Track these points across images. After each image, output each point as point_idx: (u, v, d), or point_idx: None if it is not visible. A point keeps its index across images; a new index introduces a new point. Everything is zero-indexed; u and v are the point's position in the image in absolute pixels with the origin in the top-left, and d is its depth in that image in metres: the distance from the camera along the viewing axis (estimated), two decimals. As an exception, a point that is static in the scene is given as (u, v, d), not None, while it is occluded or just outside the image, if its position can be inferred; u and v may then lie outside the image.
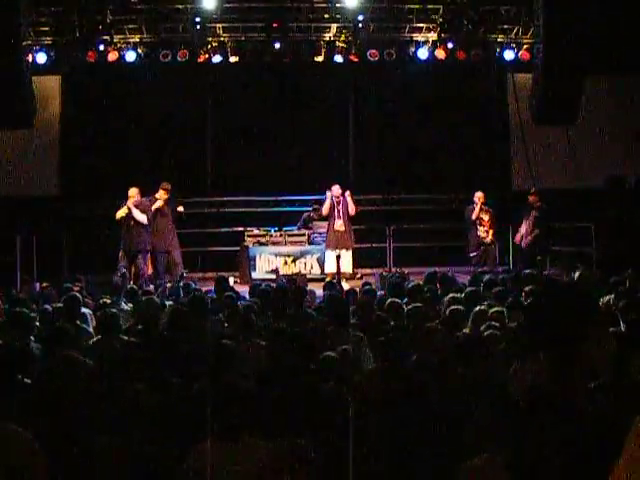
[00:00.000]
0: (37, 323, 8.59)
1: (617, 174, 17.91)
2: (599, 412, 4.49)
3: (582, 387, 4.47)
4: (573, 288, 5.44)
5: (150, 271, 15.95)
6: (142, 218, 15.39)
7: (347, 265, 16.41)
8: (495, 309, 8.64)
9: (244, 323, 8.13)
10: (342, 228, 16.38)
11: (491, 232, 16.77)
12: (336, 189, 16.55)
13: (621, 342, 6.28)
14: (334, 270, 16.26)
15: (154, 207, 15.78)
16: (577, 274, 11.83)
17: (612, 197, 17.50)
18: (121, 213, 15.35)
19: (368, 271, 17.50)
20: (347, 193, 16.57)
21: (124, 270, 14.71)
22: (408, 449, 5.04)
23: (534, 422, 3.72)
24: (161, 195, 15.87)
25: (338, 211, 16.33)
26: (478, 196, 16.81)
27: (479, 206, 16.71)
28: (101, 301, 10.28)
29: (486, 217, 16.72)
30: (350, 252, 16.48)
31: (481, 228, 16.74)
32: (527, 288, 9.76)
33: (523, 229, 16.88)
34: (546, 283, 10.56)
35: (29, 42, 17.07)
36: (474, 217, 16.74)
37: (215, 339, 7.07)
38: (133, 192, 15.56)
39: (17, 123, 16.67)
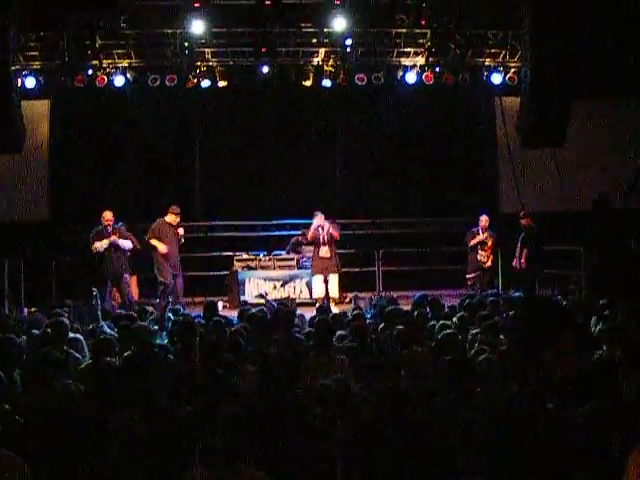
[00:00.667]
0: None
1: (603, 193, 18.00)
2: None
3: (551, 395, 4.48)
4: (549, 301, 5.45)
5: (136, 294, 15.94)
6: (129, 245, 15.33)
7: (333, 290, 16.33)
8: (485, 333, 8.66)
9: (232, 348, 8.12)
10: (327, 255, 16.23)
11: (491, 258, 16.80)
12: (318, 218, 16.29)
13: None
14: (322, 295, 16.21)
15: (181, 236, 15.70)
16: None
17: (599, 217, 17.56)
18: (102, 245, 15.21)
19: (357, 294, 17.46)
20: (327, 226, 16.28)
21: (95, 293, 14.59)
22: (398, 474, 5.03)
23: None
24: (173, 219, 15.65)
25: (323, 237, 16.23)
26: (482, 220, 16.81)
27: (481, 232, 16.76)
28: (90, 326, 10.25)
29: (489, 242, 16.74)
30: (336, 276, 16.39)
31: (482, 252, 16.75)
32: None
33: (517, 252, 16.88)
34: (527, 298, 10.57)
35: (18, 67, 17.10)
36: (473, 243, 16.79)
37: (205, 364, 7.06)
38: (109, 215, 15.40)
39: (6, 148, 16.62)
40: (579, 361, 5.07)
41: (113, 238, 15.13)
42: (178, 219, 15.63)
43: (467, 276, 16.92)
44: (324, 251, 16.20)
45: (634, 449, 2.53)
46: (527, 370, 4.28)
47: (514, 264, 16.82)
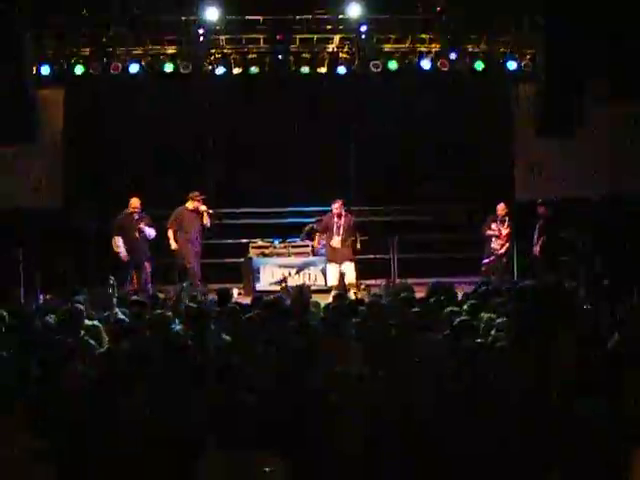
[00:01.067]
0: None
1: (613, 191, 17.99)
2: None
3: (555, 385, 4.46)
4: (555, 289, 5.43)
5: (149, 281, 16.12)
6: (153, 234, 15.70)
7: (350, 276, 16.30)
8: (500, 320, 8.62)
9: (246, 335, 8.11)
10: (338, 245, 16.18)
11: (506, 246, 16.77)
12: (336, 206, 16.29)
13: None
14: (336, 282, 16.17)
15: (206, 222, 16.18)
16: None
17: (610, 213, 17.56)
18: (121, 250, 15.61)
19: (372, 282, 17.44)
20: (344, 216, 16.31)
21: (112, 281, 14.71)
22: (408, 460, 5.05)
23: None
24: (194, 206, 16.06)
25: (338, 227, 16.18)
26: (499, 209, 16.78)
27: (498, 222, 16.75)
28: (106, 313, 10.26)
29: (505, 231, 16.73)
30: (352, 264, 16.35)
31: (497, 240, 16.76)
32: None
33: (535, 240, 16.86)
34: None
35: (32, 55, 17.12)
36: (488, 234, 16.81)
37: (219, 351, 7.06)
38: (136, 202, 15.70)
39: (21, 137, 16.67)
40: (582, 355, 5.06)
41: (141, 225, 15.42)
42: (199, 204, 15.99)
43: (482, 262, 16.92)
44: (336, 241, 16.15)
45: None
46: (532, 360, 4.27)
47: (534, 252, 16.82)
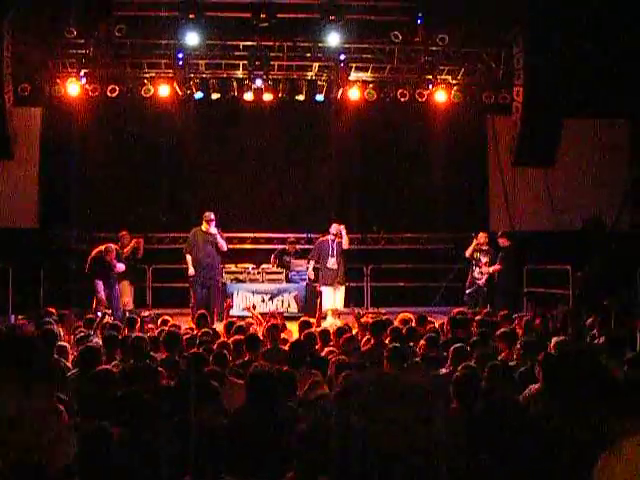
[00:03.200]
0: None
1: (594, 214, 18.09)
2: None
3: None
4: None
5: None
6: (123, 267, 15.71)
7: (339, 302, 16.32)
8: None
9: (219, 360, 8.10)
10: (335, 266, 16.29)
11: (486, 275, 16.75)
12: (334, 227, 16.40)
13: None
14: (332, 306, 16.19)
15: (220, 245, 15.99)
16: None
17: (589, 238, 17.64)
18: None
19: (345, 310, 17.44)
20: (342, 227, 16.43)
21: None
22: None
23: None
24: (206, 227, 15.87)
25: (333, 249, 16.25)
26: (478, 236, 16.84)
27: (472, 246, 16.76)
28: (79, 335, 10.22)
29: (484, 259, 16.74)
30: (342, 288, 16.38)
31: (477, 269, 16.80)
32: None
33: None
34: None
35: (10, 73, 17.10)
36: (467, 255, 16.86)
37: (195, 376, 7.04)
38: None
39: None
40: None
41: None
42: (209, 226, 15.78)
43: (465, 291, 16.97)
44: (332, 262, 16.25)
45: (602, 457, 2.51)
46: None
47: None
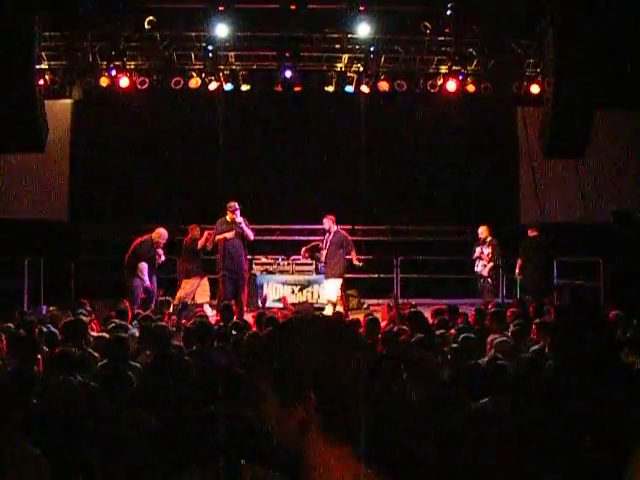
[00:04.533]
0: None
1: (624, 209, 17.92)
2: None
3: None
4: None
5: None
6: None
7: (330, 294, 16.23)
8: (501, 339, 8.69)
9: (250, 352, 8.10)
10: (323, 259, 16.41)
11: (489, 266, 16.75)
12: (324, 220, 16.35)
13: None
14: (332, 298, 16.16)
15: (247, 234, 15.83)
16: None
17: (620, 229, 17.50)
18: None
19: (375, 302, 17.44)
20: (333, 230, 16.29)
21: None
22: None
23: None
24: (230, 217, 15.64)
25: (325, 242, 16.24)
26: (480, 231, 16.82)
27: (480, 244, 16.87)
28: (110, 325, 10.29)
29: (487, 250, 16.75)
30: (336, 280, 16.21)
31: (480, 262, 16.84)
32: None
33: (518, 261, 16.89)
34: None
35: (42, 66, 17.21)
36: (474, 257, 16.94)
37: (222, 367, 7.05)
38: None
39: (28, 147, 16.70)
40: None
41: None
42: (234, 215, 15.58)
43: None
44: (322, 255, 16.43)
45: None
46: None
47: (516, 274, 16.89)
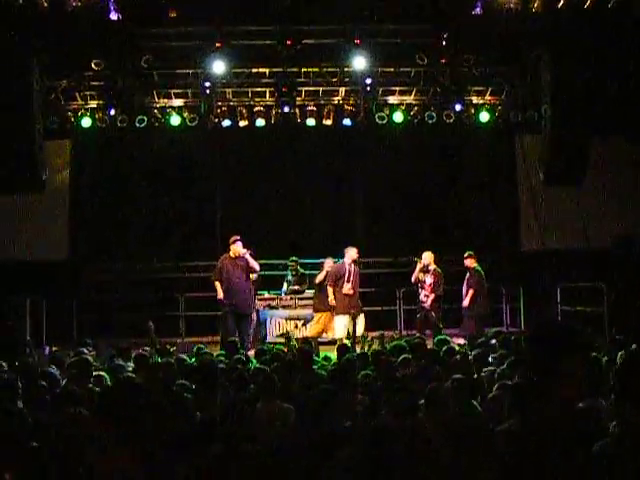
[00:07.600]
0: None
1: (625, 234, 17.93)
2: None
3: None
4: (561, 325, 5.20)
5: None
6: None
7: (360, 328, 15.97)
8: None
9: (263, 385, 8.04)
10: (350, 292, 15.77)
11: (431, 297, 16.11)
12: (355, 251, 15.98)
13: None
14: (344, 335, 15.82)
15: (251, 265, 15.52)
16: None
17: (620, 258, 17.50)
18: None
19: (377, 334, 17.34)
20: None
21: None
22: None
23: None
24: (234, 251, 15.37)
25: (349, 274, 15.82)
26: (424, 257, 16.32)
27: (418, 269, 16.29)
28: (113, 364, 10.23)
29: (428, 280, 16.17)
30: (362, 315, 16.10)
31: (422, 292, 16.29)
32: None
33: (464, 293, 16.36)
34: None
35: (40, 107, 17.26)
36: (412, 280, 16.49)
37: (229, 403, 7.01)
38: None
39: (28, 187, 16.70)
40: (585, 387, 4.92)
41: None
42: (237, 248, 15.37)
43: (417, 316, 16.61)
44: (347, 288, 15.67)
45: None
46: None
47: (463, 305, 16.27)
